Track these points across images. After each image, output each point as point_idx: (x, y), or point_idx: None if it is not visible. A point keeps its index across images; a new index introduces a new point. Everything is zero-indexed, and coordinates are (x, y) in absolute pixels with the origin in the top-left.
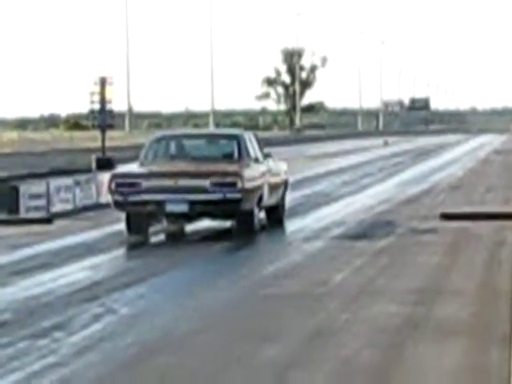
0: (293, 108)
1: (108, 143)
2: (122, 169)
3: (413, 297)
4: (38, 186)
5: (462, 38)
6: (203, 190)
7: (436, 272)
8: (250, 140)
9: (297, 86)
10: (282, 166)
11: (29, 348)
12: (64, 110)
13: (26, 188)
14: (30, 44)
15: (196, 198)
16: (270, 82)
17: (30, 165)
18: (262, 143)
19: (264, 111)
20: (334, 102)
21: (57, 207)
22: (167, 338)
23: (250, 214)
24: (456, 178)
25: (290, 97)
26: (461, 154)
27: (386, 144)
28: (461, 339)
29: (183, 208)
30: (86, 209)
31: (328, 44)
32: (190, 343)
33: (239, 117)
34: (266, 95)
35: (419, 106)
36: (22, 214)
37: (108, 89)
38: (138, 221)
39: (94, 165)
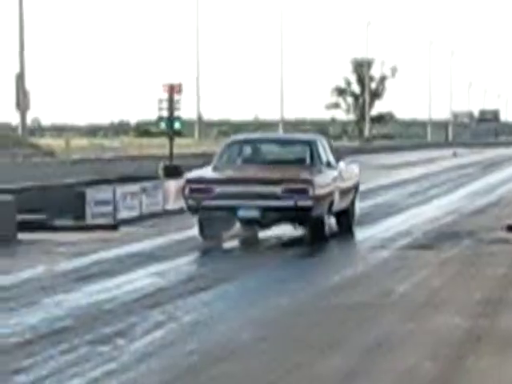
0: (362, 118)
1: (177, 150)
2: (195, 173)
3: (477, 309)
4: (104, 193)
5: None
6: (275, 197)
7: (502, 283)
8: (323, 145)
9: (366, 96)
10: (354, 170)
11: (90, 354)
12: (134, 117)
13: (92, 194)
14: (100, 50)
15: (267, 205)
16: (340, 92)
17: (98, 171)
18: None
19: (333, 121)
20: (403, 113)
21: (123, 214)
22: (229, 346)
23: (321, 220)
24: None
25: (360, 107)
26: None
27: (455, 155)
28: None
29: (255, 214)
30: (152, 216)
31: (398, 54)
32: (251, 351)
33: (309, 126)
34: (336, 105)
35: (489, 117)
36: (88, 221)
37: (176, 96)
38: (211, 226)
39: (161, 172)
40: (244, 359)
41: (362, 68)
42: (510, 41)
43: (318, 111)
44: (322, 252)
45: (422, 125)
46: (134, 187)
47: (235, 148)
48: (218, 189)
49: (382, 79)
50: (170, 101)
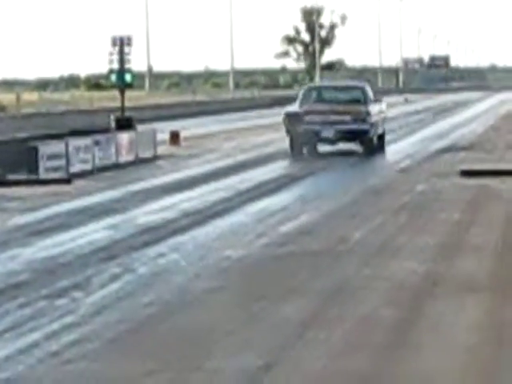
0: (312, 66)
1: (128, 103)
2: (290, 108)
3: (432, 253)
4: (56, 147)
5: None
6: (345, 123)
7: (456, 228)
8: (369, 89)
9: (316, 45)
10: (385, 107)
11: (47, 308)
12: (84, 71)
13: (45, 148)
14: (49, 4)
15: (340, 128)
16: (290, 41)
17: (50, 125)
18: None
19: (284, 70)
20: (353, 60)
21: (76, 167)
22: (186, 297)
23: (371, 140)
24: (476, 135)
25: (310, 55)
26: (481, 111)
27: (406, 101)
28: (479, 295)
29: (331, 134)
30: (105, 169)
31: (347, 2)
32: (208, 301)
33: (259, 76)
34: (286, 54)
35: (439, 63)
36: (42, 175)
37: (126, 49)
38: (301, 143)
39: (113, 125)
40: (201, 310)
41: (311, 16)
42: None
43: (268, 60)
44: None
45: (373, 72)
46: (86, 141)
47: (312, 92)
48: (307, 118)
49: (332, 27)
50: (121, 53)
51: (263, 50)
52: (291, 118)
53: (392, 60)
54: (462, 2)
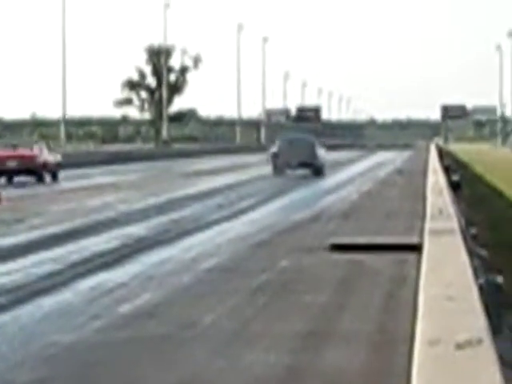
0: (159, 117)
1: None
2: (272, 149)
3: (296, 343)
4: None
5: (356, 38)
6: (304, 159)
7: (324, 314)
8: (316, 140)
9: (164, 91)
10: (324, 151)
11: None
12: None
13: None
14: None
15: (301, 161)
16: (133, 86)
17: None
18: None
19: (125, 120)
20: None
21: None
22: None
23: (321, 168)
24: (349, 203)
25: (156, 103)
26: (356, 173)
27: (268, 161)
28: None
29: (295, 164)
30: None
31: (202, 41)
32: None
33: (96, 126)
34: (128, 101)
35: (308, 115)
36: None
37: None
38: (280, 169)
39: None
40: None
41: (158, 57)
42: (329, 28)
43: (106, 108)
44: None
45: (231, 124)
46: None
47: (283, 141)
48: (283, 156)
49: (183, 70)
50: None
51: (101, 95)
52: (274, 155)
53: (253, 111)
54: (336, 46)
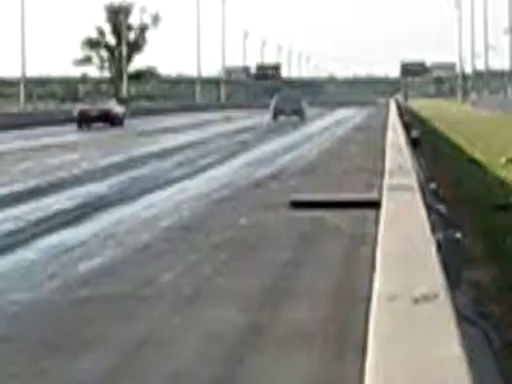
0: (119, 75)
1: None
2: (273, 103)
3: (255, 300)
4: None
5: None
6: (294, 107)
7: (284, 271)
8: (301, 96)
9: (123, 49)
10: (305, 104)
11: None
12: None
13: None
14: None
15: (292, 108)
16: (92, 45)
17: None
18: None
19: (84, 79)
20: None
21: None
22: None
23: (303, 112)
24: (309, 160)
25: (116, 62)
26: (316, 131)
27: (228, 119)
28: (311, 350)
29: (289, 112)
30: None
31: (161, 0)
32: None
33: (56, 85)
34: (87, 60)
35: (269, 73)
36: None
37: None
38: (277, 115)
39: None
40: None
41: (118, 15)
42: None
43: (66, 67)
44: None
45: (190, 82)
46: None
47: (279, 97)
48: (280, 105)
49: (143, 29)
50: None
51: (61, 54)
52: (274, 106)
53: (213, 69)
54: (296, 5)
